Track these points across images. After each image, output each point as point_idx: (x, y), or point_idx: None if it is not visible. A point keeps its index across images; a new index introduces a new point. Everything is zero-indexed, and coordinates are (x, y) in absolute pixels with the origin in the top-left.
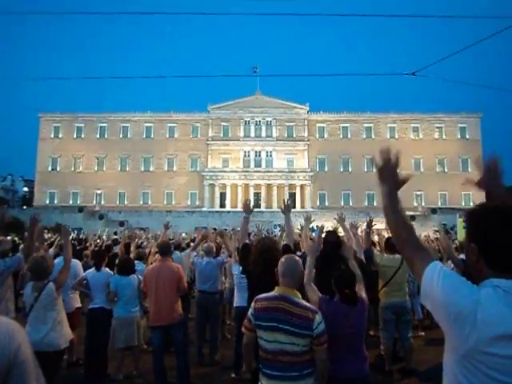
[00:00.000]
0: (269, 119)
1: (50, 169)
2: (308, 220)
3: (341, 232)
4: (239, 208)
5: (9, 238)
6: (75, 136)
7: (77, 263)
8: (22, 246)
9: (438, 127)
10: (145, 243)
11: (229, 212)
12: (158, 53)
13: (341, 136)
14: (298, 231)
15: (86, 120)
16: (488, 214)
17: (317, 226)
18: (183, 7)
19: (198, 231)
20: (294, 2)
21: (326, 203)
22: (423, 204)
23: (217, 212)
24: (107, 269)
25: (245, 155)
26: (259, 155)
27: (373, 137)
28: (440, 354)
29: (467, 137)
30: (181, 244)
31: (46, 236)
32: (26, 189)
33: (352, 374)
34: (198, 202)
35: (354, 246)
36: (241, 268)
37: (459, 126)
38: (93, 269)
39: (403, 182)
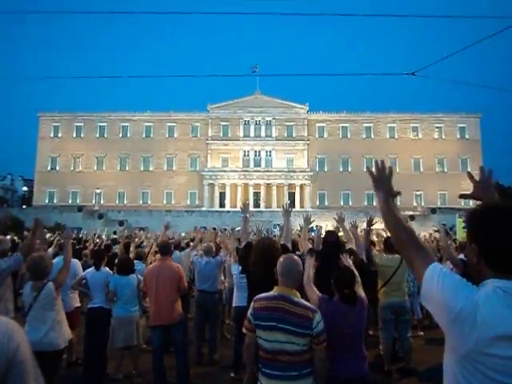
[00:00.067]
0: (268, 119)
1: (49, 168)
2: (307, 221)
3: (341, 232)
4: (239, 208)
5: (8, 237)
6: (75, 135)
7: (76, 263)
8: (20, 245)
9: (437, 127)
10: (144, 243)
11: (228, 212)
12: (157, 53)
13: (340, 136)
14: (297, 231)
15: (86, 119)
16: (489, 214)
17: (316, 226)
18: (183, 7)
19: (197, 231)
20: (294, 2)
21: (326, 203)
22: (423, 204)
23: (216, 212)
24: (107, 268)
25: (244, 155)
26: (259, 155)
27: (372, 137)
28: (439, 354)
29: (467, 137)
30: (180, 243)
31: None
32: (25, 188)
33: (351, 373)
34: (197, 202)
35: (355, 247)
36: (240, 268)
37: (459, 126)
38: (92, 268)
39: (397, 194)
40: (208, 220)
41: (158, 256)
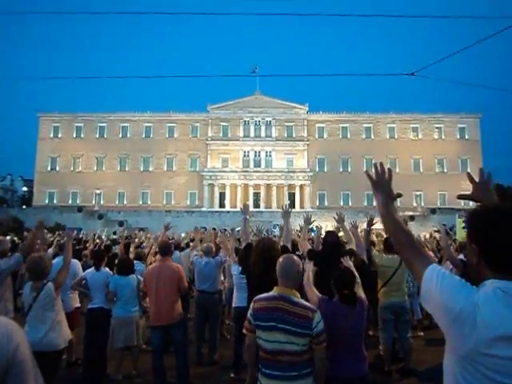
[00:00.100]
0: (268, 119)
1: (49, 168)
2: (308, 221)
3: (341, 232)
4: (239, 208)
5: (8, 237)
6: (74, 136)
7: (76, 263)
8: (20, 245)
9: (437, 127)
10: (144, 243)
11: (228, 212)
12: (157, 53)
13: (340, 136)
14: (297, 232)
15: (86, 120)
16: (489, 214)
17: (316, 227)
18: (183, 7)
19: (197, 231)
20: (294, 2)
21: (326, 203)
22: (422, 204)
23: (216, 212)
24: (107, 269)
25: (244, 155)
26: (259, 155)
27: (372, 137)
28: (439, 354)
29: (466, 137)
30: (180, 244)
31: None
32: (25, 188)
33: (351, 373)
34: (197, 202)
35: (355, 247)
36: (240, 268)
37: (458, 127)
38: (92, 268)
39: (397, 196)
40: (208, 220)
41: (158, 256)
